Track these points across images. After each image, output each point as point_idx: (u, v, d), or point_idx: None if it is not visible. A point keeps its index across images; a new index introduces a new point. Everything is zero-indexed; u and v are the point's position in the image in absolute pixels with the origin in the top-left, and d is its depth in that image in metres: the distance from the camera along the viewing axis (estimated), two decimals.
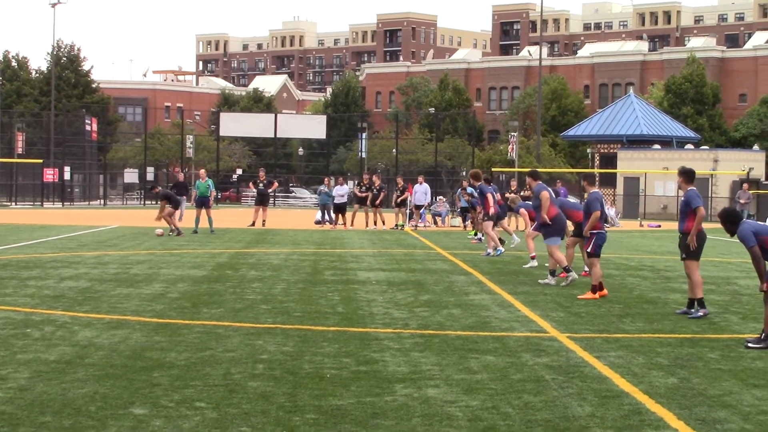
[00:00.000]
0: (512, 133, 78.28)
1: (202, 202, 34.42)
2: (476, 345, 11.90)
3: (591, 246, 16.98)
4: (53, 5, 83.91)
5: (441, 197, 52.18)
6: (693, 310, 14.80)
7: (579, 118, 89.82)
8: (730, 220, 12.69)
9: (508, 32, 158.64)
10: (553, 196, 19.60)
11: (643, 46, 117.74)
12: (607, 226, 27.60)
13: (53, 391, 8.95)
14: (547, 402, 8.93)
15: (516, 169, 69.68)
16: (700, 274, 15.11)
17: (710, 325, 13.99)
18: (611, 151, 70.73)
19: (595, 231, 17.02)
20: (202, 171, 36.92)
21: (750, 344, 12.07)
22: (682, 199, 15.05)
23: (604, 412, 8.59)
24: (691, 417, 8.48)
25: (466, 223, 42.33)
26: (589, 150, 76.86)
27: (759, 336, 12.27)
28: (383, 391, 9.23)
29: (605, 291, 16.97)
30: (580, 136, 76.42)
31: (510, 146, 77.17)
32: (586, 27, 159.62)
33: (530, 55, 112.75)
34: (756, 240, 12.17)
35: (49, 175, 70.34)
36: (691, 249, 14.78)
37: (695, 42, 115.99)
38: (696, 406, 8.88)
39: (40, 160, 71.63)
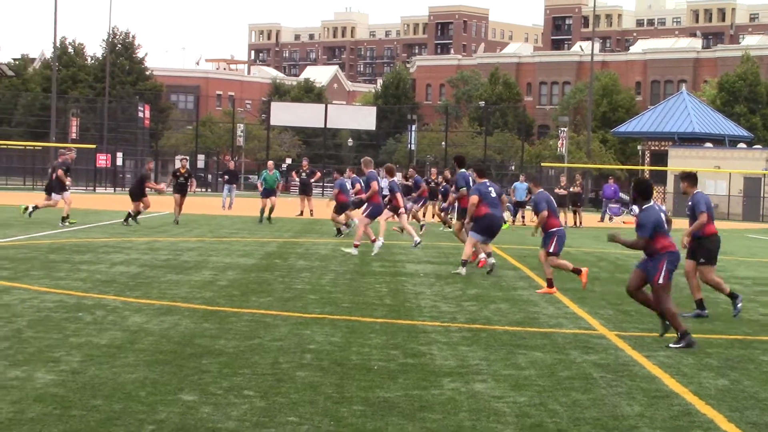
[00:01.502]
0: (562, 129, 77.88)
1: (270, 193, 34.22)
2: (524, 341, 11.87)
3: (553, 245, 16.86)
4: None
5: None
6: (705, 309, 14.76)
7: (630, 115, 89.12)
8: (642, 193, 12.43)
9: (560, 27, 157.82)
10: (486, 191, 19.25)
11: (697, 43, 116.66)
12: None
13: (104, 375, 9.04)
14: (595, 400, 8.89)
15: (565, 165, 69.35)
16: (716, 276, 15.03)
17: (762, 327, 13.86)
18: (662, 148, 70.16)
19: (553, 229, 16.92)
20: (270, 163, 36.79)
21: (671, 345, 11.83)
22: (689, 203, 14.94)
23: (654, 412, 8.54)
24: (742, 420, 8.41)
25: (515, 218, 42.20)
26: (639, 147, 76.32)
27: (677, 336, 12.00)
28: (430, 385, 9.24)
29: (585, 270, 17.16)
30: (630, 133, 75.89)
31: (560, 142, 76.81)
32: (639, 23, 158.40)
33: (582, 50, 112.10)
34: (651, 234, 11.96)
35: (102, 160, 71.11)
36: (708, 253, 14.77)
37: (750, 40, 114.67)
38: (747, 409, 8.80)
39: (94, 146, 72.26)
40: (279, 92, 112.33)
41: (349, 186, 28.92)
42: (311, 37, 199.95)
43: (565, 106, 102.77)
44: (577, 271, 17.10)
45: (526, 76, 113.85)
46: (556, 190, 42.75)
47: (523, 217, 42.76)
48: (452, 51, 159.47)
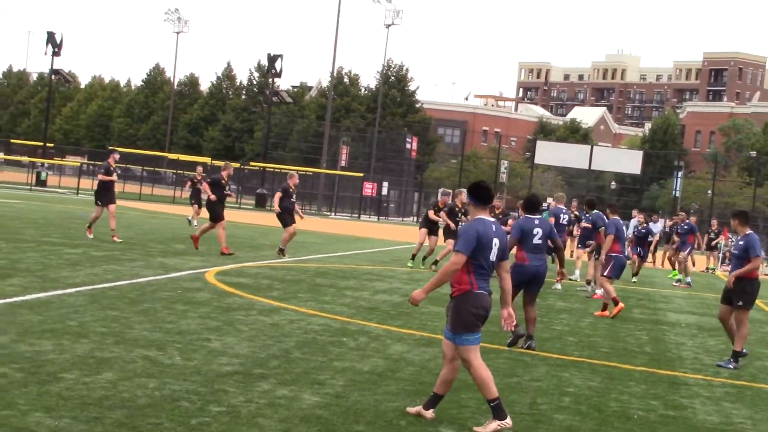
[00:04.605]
0: None
1: None
2: None
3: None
4: (387, 26, 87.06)
5: None
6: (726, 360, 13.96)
7: None
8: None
9: None
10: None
11: None
12: None
13: (366, 401, 9.24)
14: None
15: None
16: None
17: None
18: None
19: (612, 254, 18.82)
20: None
21: None
22: (740, 243, 13.98)
23: None
24: None
25: None
26: None
27: None
28: None
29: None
30: None
31: None
32: None
33: None
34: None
35: (368, 189, 72.86)
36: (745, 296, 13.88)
37: None
38: None
39: (361, 174, 74.20)
40: (545, 131, 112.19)
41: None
42: (581, 77, 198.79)
43: None
44: (615, 302, 18.23)
45: None
46: None
47: None
48: (725, 98, 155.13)
